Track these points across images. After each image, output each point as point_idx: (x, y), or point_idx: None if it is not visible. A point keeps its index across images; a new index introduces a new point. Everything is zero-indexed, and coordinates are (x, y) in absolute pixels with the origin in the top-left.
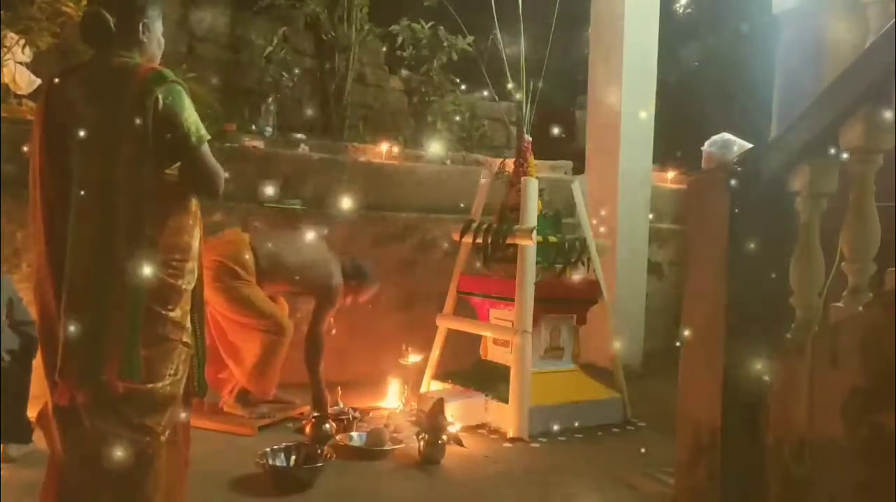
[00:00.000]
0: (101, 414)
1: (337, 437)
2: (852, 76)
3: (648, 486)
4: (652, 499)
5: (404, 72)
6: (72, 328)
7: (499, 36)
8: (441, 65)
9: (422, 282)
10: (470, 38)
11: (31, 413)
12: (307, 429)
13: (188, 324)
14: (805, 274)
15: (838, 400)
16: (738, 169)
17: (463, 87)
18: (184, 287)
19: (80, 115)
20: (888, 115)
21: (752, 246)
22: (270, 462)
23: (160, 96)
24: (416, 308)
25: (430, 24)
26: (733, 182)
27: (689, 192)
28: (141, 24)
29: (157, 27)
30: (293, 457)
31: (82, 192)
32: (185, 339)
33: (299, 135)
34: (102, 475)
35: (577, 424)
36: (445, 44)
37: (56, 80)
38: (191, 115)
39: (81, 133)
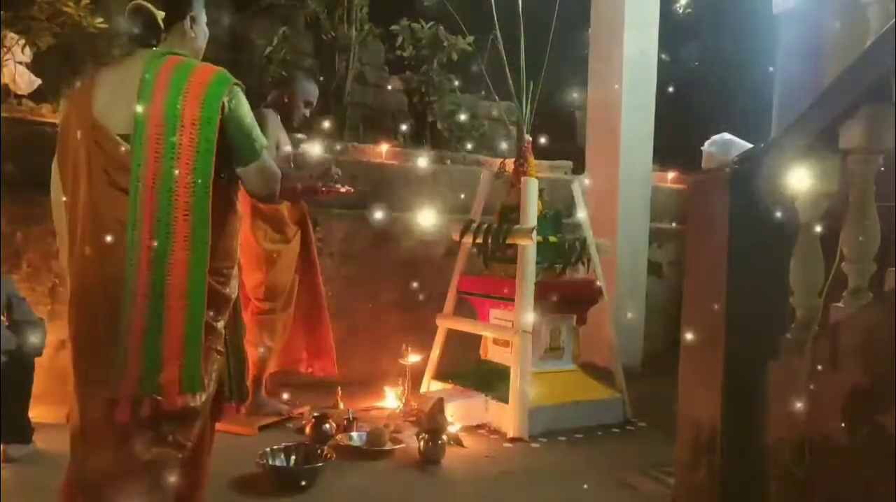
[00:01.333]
0: (144, 430)
1: (337, 437)
2: (852, 76)
3: (648, 486)
4: (652, 499)
5: (405, 72)
6: (132, 341)
7: (499, 36)
8: (441, 65)
9: (422, 282)
10: (470, 38)
11: (32, 413)
12: (307, 429)
13: (223, 332)
14: (805, 274)
15: (838, 400)
16: (738, 169)
17: (459, 84)
18: (231, 295)
19: (139, 114)
20: (888, 114)
21: (752, 246)
22: (270, 462)
23: (227, 100)
24: (416, 308)
25: (430, 24)
26: (733, 182)
27: (689, 192)
28: (188, 18)
29: (203, 19)
30: (293, 457)
31: (143, 198)
32: (219, 348)
33: (299, 135)
34: (126, 486)
35: (577, 424)
36: (445, 44)
37: (96, 78)
38: (252, 119)
39: (143, 135)
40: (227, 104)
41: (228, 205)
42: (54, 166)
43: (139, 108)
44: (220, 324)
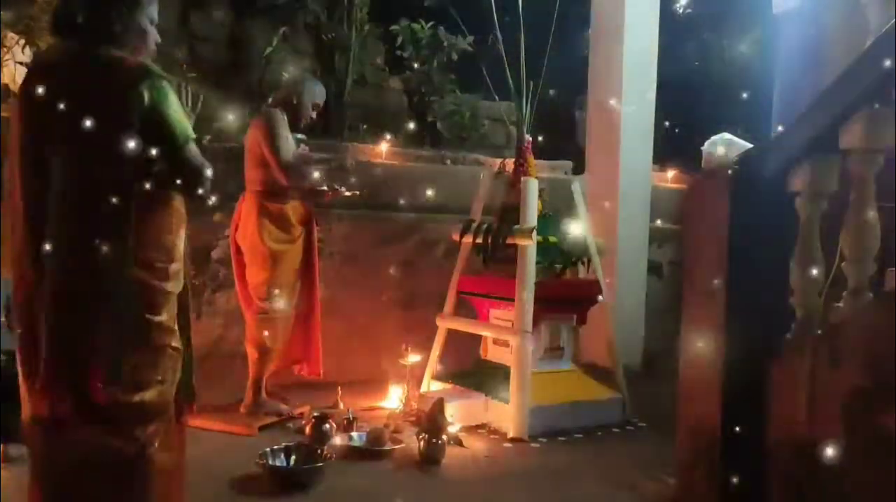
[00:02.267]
0: (85, 424)
1: (337, 437)
2: (852, 76)
3: (648, 486)
4: (652, 500)
5: (405, 72)
6: (54, 334)
7: (499, 36)
8: (441, 65)
9: (422, 282)
10: (470, 38)
11: None
12: (307, 429)
13: (175, 328)
14: (805, 274)
15: (838, 400)
16: (738, 169)
17: (459, 84)
18: (170, 289)
19: (62, 110)
20: (888, 115)
21: (752, 246)
22: (270, 462)
23: (145, 92)
24: (416, 308)
25: (430, 24)
26: (733, 182)
27: (689, 192)
28: (124, 13)
29: (145, 17)
30: (293, 457)
31: (64, 192)
32: (174, 344)
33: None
34: (87, 488)
35: (577, 424)
36: (445, 44)
37: (35, 74)
38: (177, 113)
39: (63, 130)
40: (146, 95)
41: (158, 199)
42: None
43: (65, 105)
44: (161, 320)
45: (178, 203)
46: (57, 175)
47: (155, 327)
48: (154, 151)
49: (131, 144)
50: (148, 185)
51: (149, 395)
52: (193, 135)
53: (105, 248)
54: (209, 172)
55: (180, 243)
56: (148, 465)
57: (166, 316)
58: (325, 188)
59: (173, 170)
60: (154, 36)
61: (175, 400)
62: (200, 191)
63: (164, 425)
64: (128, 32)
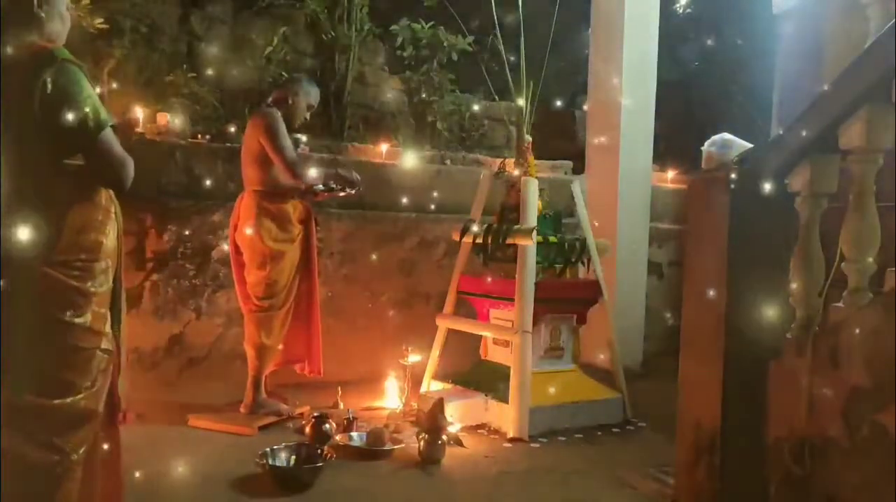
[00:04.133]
0: (12, 432)
1: (337, 437)
2: (852, 76)
3: (648, 486)
4: (652, 499)
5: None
6: None
7: (499, 36)
8: (441, 65)
9: (422, 282)
10: (470, 38)
11: None
12: (307, 429)
13: (106, 330)
14: (805, 274)
15: (838, 400)
16: (738, 169)
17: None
18: (92, 289)
19: None
20: (888, 115)
21: (752, 245)
22: (270, 462)
23: (48, 78)
24: (416, 308)
25: (430, 24)
26: (733, 182)
27: (689, 192)
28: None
29: (62, 2)
30: (293, 457)
31: None
32: (103, 346)
33: (299, 136)
34: (6, 497)
35: (577, 424)
36: (445, 44)
37: None
38: (87, 99)
39: None
40: (49, 82)
41: (76, 194)
42: None
43: None
44: (84, 321)
45: (105, 197)
46: None
47: (75, 329)
48: (65, 141)
49: (35, 133)
50: (62, 178)
51: (74, 401)
52: (110, 122)
53: (12, 245)
54: (128, 162)
55: (107, 240)
56: (66, 476)
57: (89, 317)
58: (322, 187)
59: (86, 160)
60: (69, 22)
61: (108, 406)
62: (119, 184)
63: (91, 433)
64: (46, 18)
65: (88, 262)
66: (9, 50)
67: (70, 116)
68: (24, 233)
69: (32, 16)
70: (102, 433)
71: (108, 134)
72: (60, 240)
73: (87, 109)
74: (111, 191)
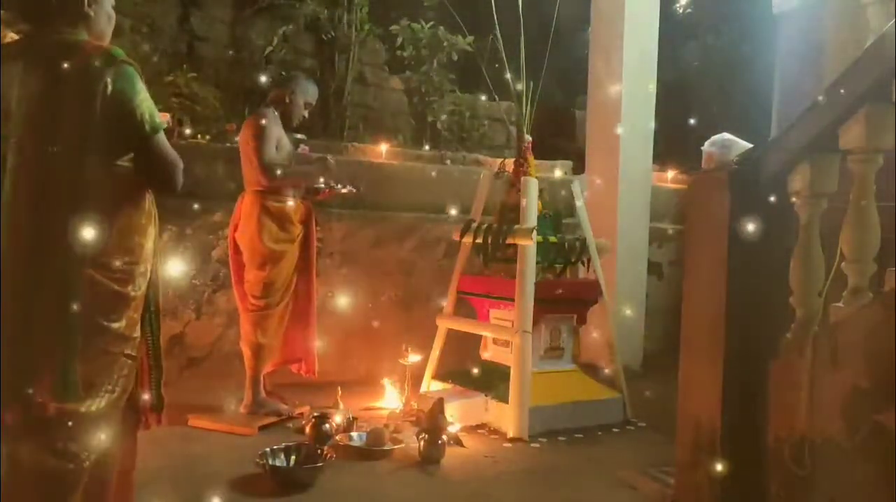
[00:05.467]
0: (23, 436)
1: (337, 437)
2: (852, 76)
3: (648, 486)
4: (652, 499)
5: (405, 72)
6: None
7: (499, 36)
8: (441, 65)
9: (422, 282)
10: (470, 38)
11: None
12: (307, 429)
13: (134, 335)
14: (805, 274)
15: (838, 400)
16: (738, 169)
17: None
18: (132, 293)
19: (17, 98)
20: (888, 114)
21: (752, 245)
22: (270, 462)
23: (109, 79)
24: (416, 308)
25: (430, 24)
26: (733, 182)
27: (689, 192)
28: None
29: (108, 2)
30: (293, 457)
31: (17, 187)
32: (127, 351)
33: (299, 136)
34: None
35: (577, 424)
36: (445, 44)
37: None
38: (144, 101)
39: (20, 118)
40: (110, 84)
41: (124, 197)
42: None
43: (20, 92)
44: (119, 325)
45: (148, 200)
46: (12, 164)
47: (110, 333)
48: (119, 142)
49: (94, 134)
50: (112, 180)
51: (93, 406)
52: (163, 125)
53: (59, 246)
54: (180, 164)
55: (149, 243)
56: (75, 485)
57: (124, 322)
58: (322, 185)
59: (140, 163)
60: (114, 21)
61: (136, 409)
62: (171, 186)
63: (106, 439)
64: (95, 17)
65: (130, 265)
66: (66, 49)
67: (128, 118)
68: (77, 235)
69: (82, 14)
70: (120, 441)
71: (162, 136)
72: (107, 243)
73: (145, 112)
74: (153, 195)
